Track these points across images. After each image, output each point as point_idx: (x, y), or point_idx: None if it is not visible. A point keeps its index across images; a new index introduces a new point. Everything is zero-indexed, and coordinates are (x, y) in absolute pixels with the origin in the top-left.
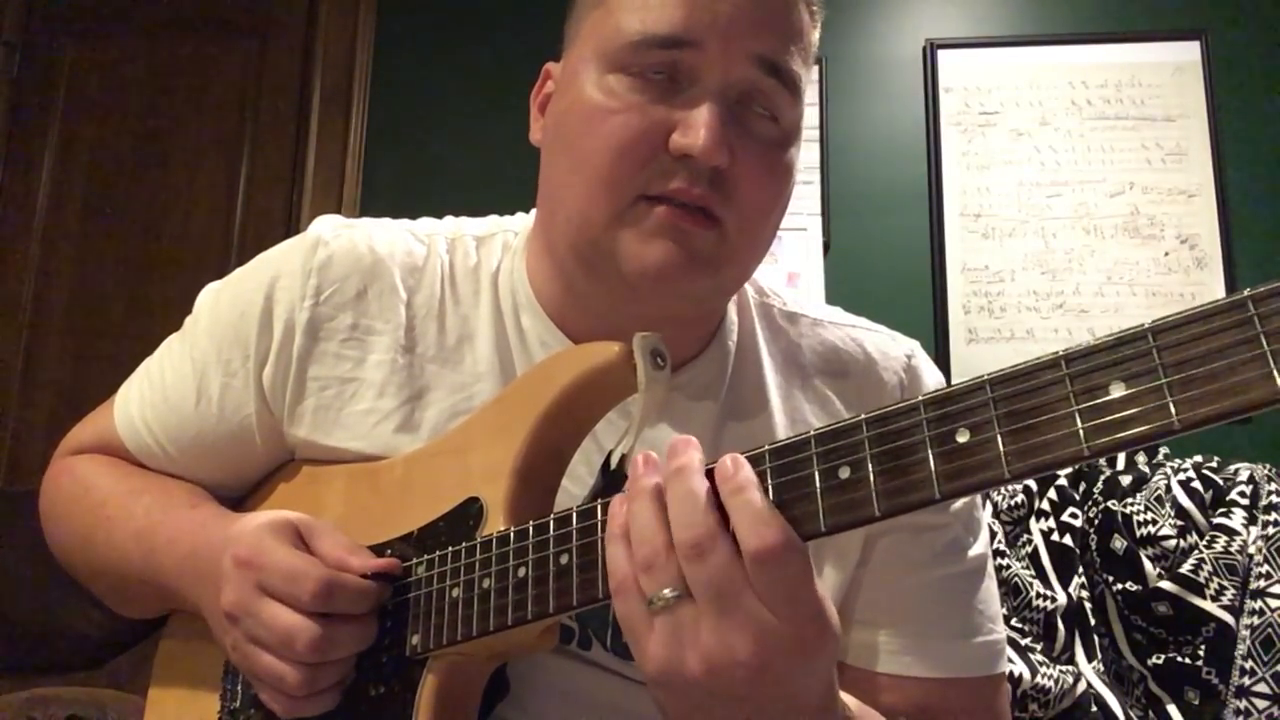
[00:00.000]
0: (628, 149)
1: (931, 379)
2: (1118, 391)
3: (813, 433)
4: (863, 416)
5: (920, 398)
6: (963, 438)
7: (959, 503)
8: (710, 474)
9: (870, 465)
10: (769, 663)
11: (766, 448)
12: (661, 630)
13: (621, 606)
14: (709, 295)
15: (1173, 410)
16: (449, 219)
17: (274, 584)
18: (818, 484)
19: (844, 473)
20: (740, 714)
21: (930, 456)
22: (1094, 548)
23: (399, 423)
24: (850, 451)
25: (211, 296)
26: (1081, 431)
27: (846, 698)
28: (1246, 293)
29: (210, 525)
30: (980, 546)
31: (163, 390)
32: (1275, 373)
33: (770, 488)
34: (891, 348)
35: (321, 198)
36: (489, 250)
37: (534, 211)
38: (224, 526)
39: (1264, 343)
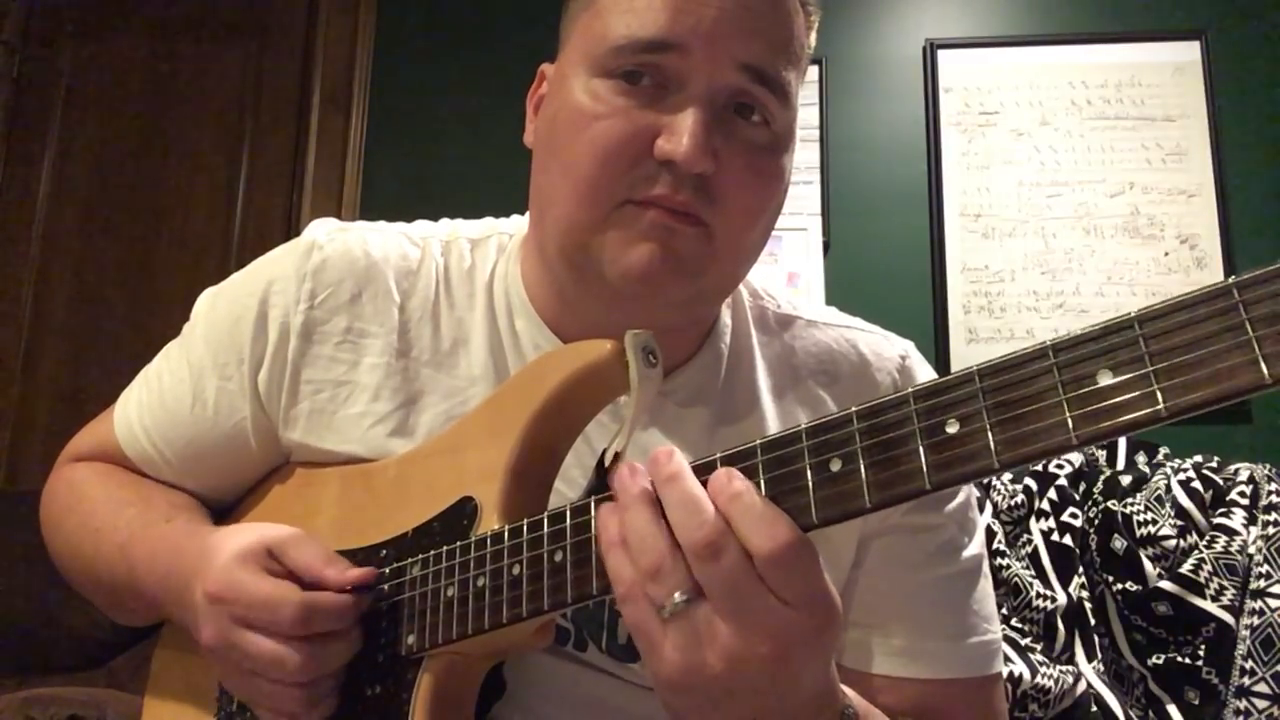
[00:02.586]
0: (613, 154)
1: (925, 379)
2: (1105, 380)
3: (804, 426)
4: (853, 410)
5: (910, 390)
6: (952, 428)
7: (953, 503)
8: (702, 474)
9: (861, 458)
10: (789, 654)
11: (758, 442)
12: (676, 634)
13: (632, 613)
14: (695, 300)
15: (1159, 398)
16: (444, 221)
17: (252, 616)
18: (809, 477)
19: (835, 465)
20: (754, 708)
21: (920, 448)
22: (1094, 548)
23: (393, 426)
24: (841, 444)
25: (208, 302)
26: (1070, 420)
27: (845, 689)
28: (1231, 280)
29: (182, 544)
30: (975, 547)
31: (160, 396)
32: (1260, 359)
33: (762, 482)
34: (885, 348)
35: (321, 198)
36: (483, 253)
37: (529, 213)
38: (197, 546)
39: (1249, 329)
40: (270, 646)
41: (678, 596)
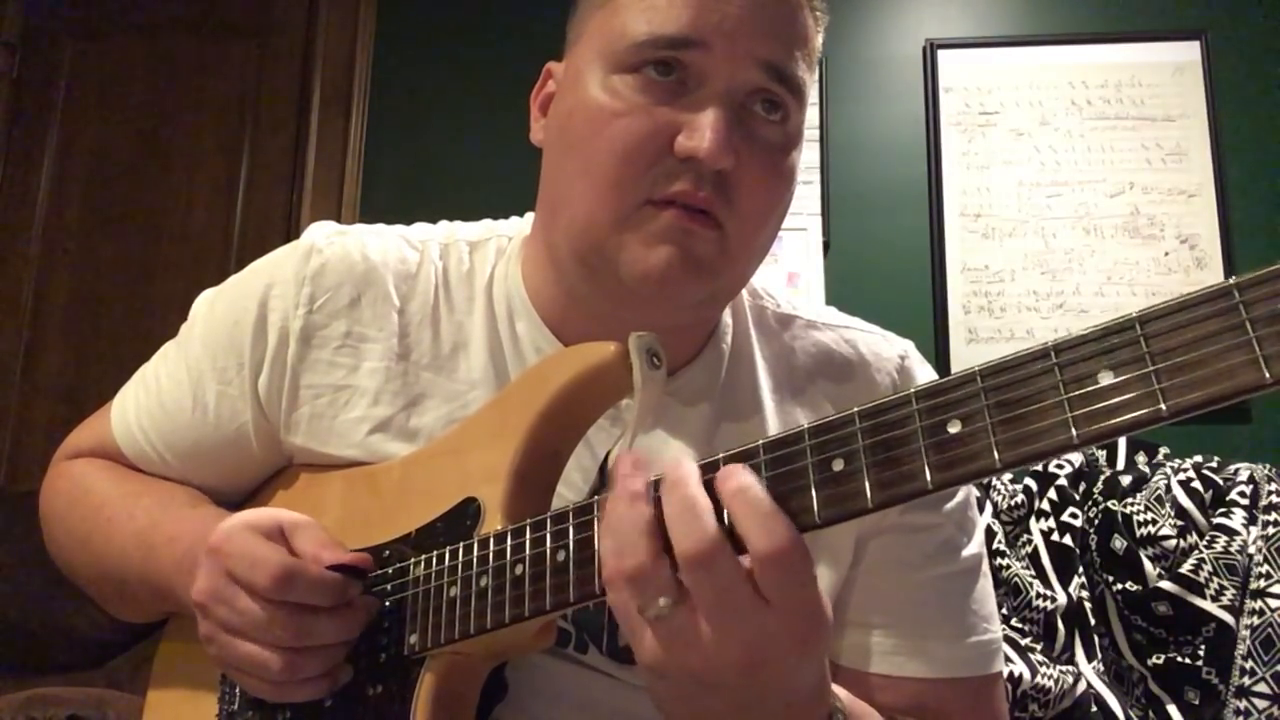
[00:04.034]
0: (633, 151)
1: (924, 379)
2: (1106, 380)
3: (806, 426)
4: (855, 410)
5: (912, 390)
6: (954, 428)
7: (952, 502)
8: (706, 474)
9: (863, 457)
10: (766, 661)
11: (761, 441)
12: (657, 631)
13: (615, 599)
14: (707, 300)
15: (1161, 397)
16: (442, 224)
17: (238, 571)
18: (811, 477)
19: (837, 465)
20: (734, 705)
21: (922, 448)
22: (1094, 548)
23: (394, 431)
24: (843, 444)
25: (206, 304)
26: (1071, 420)
27: (837, 689)
28: (1231, 281)
29: (210, 523)
30: (975, 546)
31: (159, 397)
32: (1261, 359)
33: (765, 481)
34: (885, 348)
35: (321, 198)
36: (482, 256)
37: (528, 215)
38: (220, 520)
39: (1249, 329)
40: (253, 603)
41: (661, 601)
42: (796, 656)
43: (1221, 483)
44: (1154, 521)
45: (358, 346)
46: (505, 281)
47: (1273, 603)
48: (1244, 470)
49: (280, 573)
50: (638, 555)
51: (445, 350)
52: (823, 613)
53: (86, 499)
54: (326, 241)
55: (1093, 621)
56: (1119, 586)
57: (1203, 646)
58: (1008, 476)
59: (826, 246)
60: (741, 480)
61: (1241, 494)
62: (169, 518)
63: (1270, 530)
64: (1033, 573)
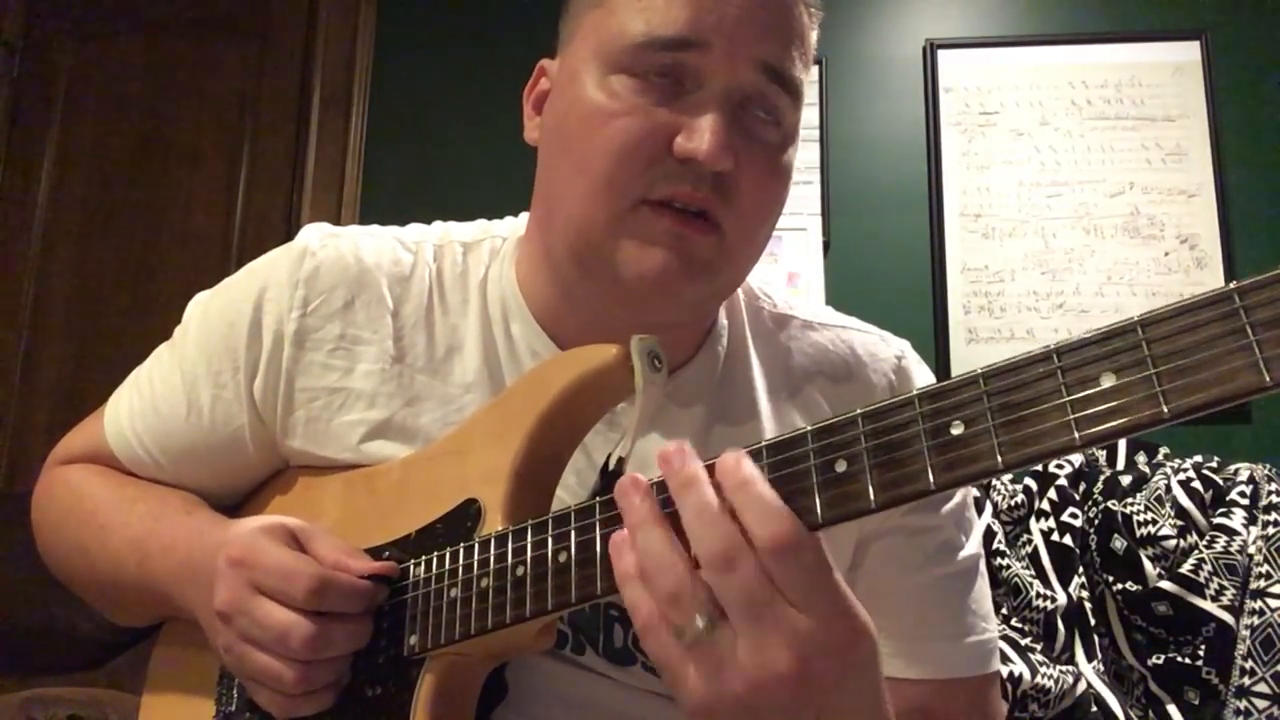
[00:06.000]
0: (631, 151)
1: (922, 379)
2: (1108, 382)
3: (809, 428)
4: (858, 412)
5: (915, 392)
6: (957, 430)
7: (950, 503)
8: (711, 471)
9: (866, 459)
10: (809, 669)
11: (764, 443)
12: (699, 660)
13: (653, 645)
14: (705, 300)
15: (1162, 399)
16: (437, 224)
17: (268, 582)
18: (814, 478)
19: (840, 466)
20: None
21: (925, 449)
22: (1094, 548)
23: (390, 433)
24: (846, 446)
25: (200, 307)
26: (1073, 421)
27: None
28: (1233, 285)
29: (206, 530)
30: (973, 546)
31: (152, 401)
32: (1261, 362)
33: (768, 482)
34: (881, 349)
35: (321, 198)
36: (476, 257)
37: (523, 215)
38: (219, 530)
39: (1250, 333)
40: (280, 615)
41: (699, 621)
42: (838, 663)
43: (1221, 483)
44: (1154, 521)
45: (352, 349)
46: (500, 282)
47: (1273, 603)
48: (1244, 470)
49: (316, 585)
50: (675, 571)
51: (439, 353)
52: (855, 613)
53: (80, 506)
54: (320, 244)
55: (1093, 621)
56: (1119, 586)
57: (1203, 646)
58: (1007, 477)
59: (826, 246)
60: (743, 474)
61: (1241, 494)
62: (164, 524)
63: (1270, 530)
64: (1033, 573)
